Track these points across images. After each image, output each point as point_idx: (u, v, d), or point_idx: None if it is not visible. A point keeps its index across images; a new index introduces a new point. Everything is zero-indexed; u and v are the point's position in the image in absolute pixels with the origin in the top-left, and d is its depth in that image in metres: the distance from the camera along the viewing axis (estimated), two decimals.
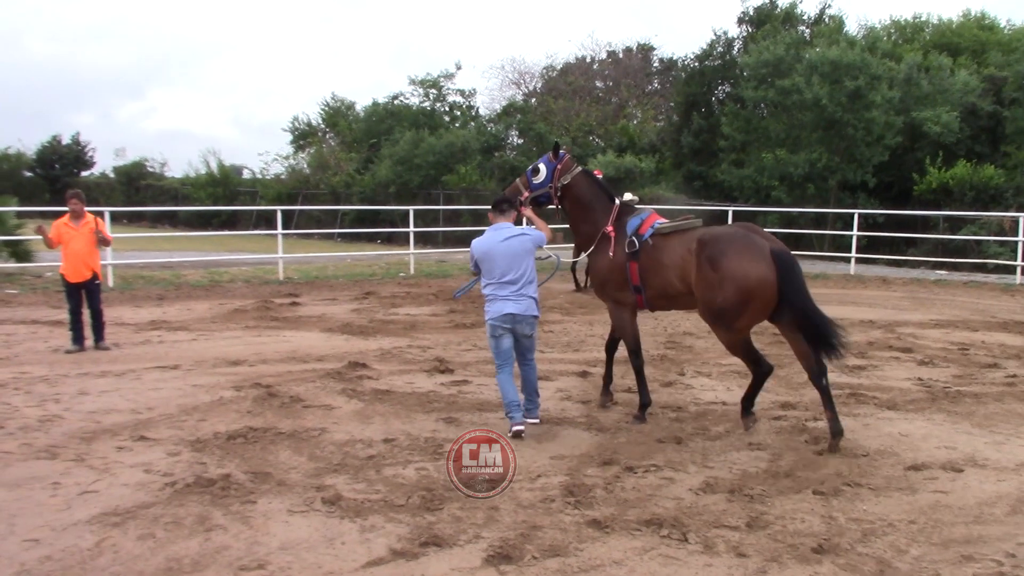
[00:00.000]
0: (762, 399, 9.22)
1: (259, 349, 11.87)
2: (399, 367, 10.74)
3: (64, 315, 12.49)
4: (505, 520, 5.67)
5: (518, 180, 8.96)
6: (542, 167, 8.81)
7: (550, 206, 8.99)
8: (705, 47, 38.67)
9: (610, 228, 8.45)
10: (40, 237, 12.04)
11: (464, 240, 32.92)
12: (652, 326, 14.35)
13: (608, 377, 9.09)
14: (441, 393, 9.29)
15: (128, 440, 7.42)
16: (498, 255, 7.80)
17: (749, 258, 7.53)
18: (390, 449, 7.19)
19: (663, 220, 8.45)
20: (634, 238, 8.27)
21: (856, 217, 24.59)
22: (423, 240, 31.44)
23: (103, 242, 12.10)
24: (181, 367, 10.55)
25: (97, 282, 12.03)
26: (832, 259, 26.66)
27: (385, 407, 8.66)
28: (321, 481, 6.38)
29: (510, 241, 7.85)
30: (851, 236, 24.59)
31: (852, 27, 38.16)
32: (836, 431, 7.45)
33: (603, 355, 9.36)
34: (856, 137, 29.94)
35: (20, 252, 20.77)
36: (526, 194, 8.76)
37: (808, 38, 35.11)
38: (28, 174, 58.83)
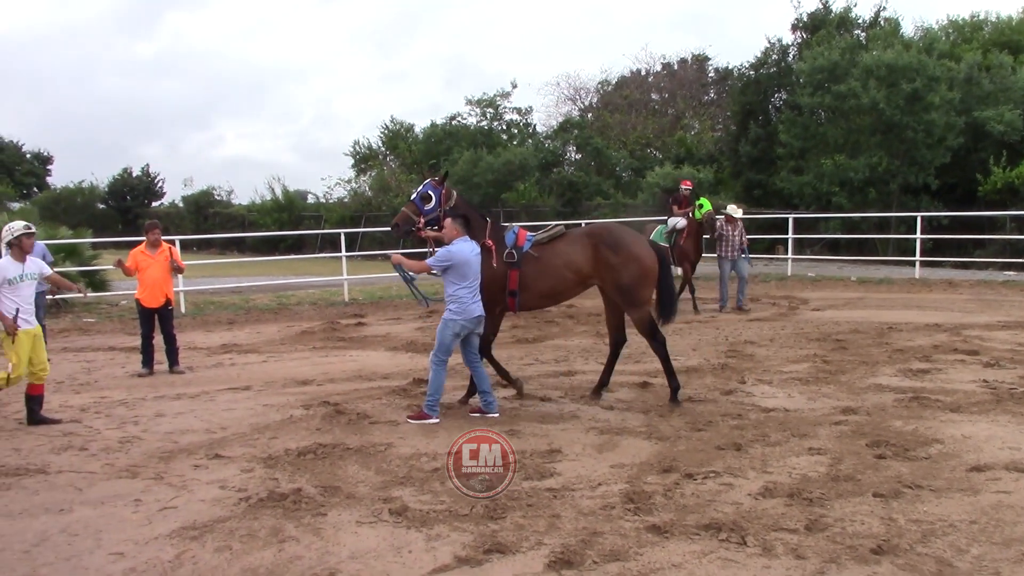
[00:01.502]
0: (823, 405, 9.27)
1: (327, 369, 12.19)
2: (463, 383, 10.92)
3: (139, 341, 12.93)
4: (566, 527, 5.82)
5: (405, 208, 9.76)
6: (431, 194, 9.68)
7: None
8: (760, 55, 38.49)
9: (489, 241, 9.41)
10: (119, 269, 12.53)
11: None
12: (713, 336, 14.38)
13: (506, 376, 10.09)
14: (503, 407, 9.46)
15: (204, 458, 7.71)
16: (473, 264, 8.88)
17: (640, 244, 9.53)
18: None
19: (531, 234, 9.69)
20: (513, 250, 9.44)
21: (919, 220, 24.21)
22: None
23: (177, 270, 12.54)
24: (252, 388, 10.89)
25: (170, 308, 12.44)
26: (896, 263, 26.28)
27: (449, 421, 8.86)
28: (388, 493, 6.59)
29: (479, 255, 9.01)
30: (915, 240, 24.24)
31: (908, 29, 37.62)
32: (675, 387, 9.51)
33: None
34: (916, 140, 29.54)
35: (96, 282, 21.44)
36: (421, 220, 9.60)
37: (864, 42, 34.73)
38: (101, 206, 60.48)
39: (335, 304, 21.15)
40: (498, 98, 49.75)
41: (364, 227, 41.25)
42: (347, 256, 23.77)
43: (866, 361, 11.72)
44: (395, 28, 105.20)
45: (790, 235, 25.96)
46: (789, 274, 25.01)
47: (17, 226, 9.28)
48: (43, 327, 13.58)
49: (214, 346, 14.64)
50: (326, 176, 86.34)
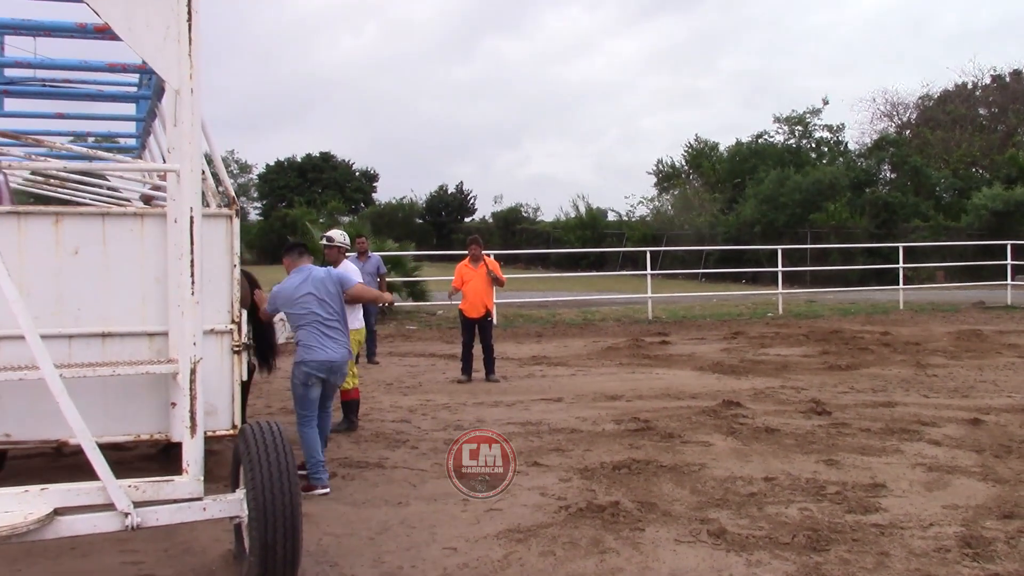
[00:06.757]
0: None
1: (634, 385, 12.34)
2: (774, 407, 10.69)
3: (457, 349, 13.73)
4: (896, 566, 5.53)
5: None
6: None
7: None
8: None
9: None
10: (453, 295, 13.31)
11: (832, 279, 31.91)
12: None
13: None
14: (819, 435, 9.13)
15: (523, 465, 8.02)
16: (296, 298, 7.38)
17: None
18: (771, 488, 7.22)
19: None
20: None
21: None
22: (790, 280, 30.75)
23: (496, 282, 13.19)
24: (564, 400, 11.22)
25: (490, 319, 13.13)
26: None
27: (763, 446, 8.68)
28: (704, 514, 6.56)
29: (317, 281, 7.44)
30: None
31: None
32: None
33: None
34: None
35: (417, 292, 23.04)
36: None
37: None
38: (419, 221, 65.00)
39: (639, 321, 21.36)
40: (808, 115, 48.30)
41: (665, 246, 41.33)
42: (651, 274, 23.96)
43: None
44: (696, 47, 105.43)
45: None
46: None
47: None
48: (374, 332, 14.87)
49: (525, 357, 15.24)
50: (629, 195, 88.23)
